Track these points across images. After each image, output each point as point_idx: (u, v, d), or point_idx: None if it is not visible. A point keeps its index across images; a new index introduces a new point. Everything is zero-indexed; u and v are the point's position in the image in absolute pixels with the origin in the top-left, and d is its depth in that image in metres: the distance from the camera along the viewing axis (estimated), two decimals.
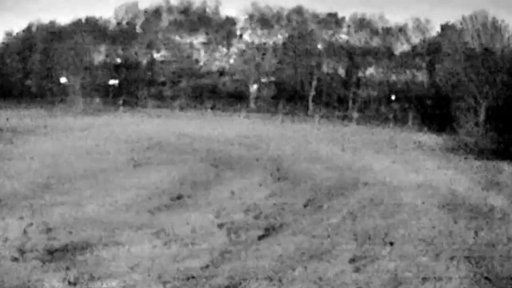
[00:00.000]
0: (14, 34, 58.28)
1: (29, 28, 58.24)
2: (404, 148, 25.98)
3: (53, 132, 27.02)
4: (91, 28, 57.14)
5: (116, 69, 56.47)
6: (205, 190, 12.66)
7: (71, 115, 40.31)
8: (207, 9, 57.33)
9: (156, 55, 57.66)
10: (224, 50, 57.57)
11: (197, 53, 57.47)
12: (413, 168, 18.44)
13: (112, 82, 56.18)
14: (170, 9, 57.82)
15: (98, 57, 57.62)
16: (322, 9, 62.01)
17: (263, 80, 55.22)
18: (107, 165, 16.09)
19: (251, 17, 55.69)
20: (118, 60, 57.80)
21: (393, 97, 51.66)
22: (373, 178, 15.37)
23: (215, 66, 57.49)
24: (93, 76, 54.11)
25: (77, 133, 27.22)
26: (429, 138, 32.22)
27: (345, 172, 16.53)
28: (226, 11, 64.59)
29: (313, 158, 20.16)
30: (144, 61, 57.00)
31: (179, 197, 11.59)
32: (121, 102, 50.01)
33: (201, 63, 57.44)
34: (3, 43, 60.63)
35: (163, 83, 55.46)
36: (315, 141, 27.18)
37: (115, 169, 15.44)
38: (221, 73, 56.38)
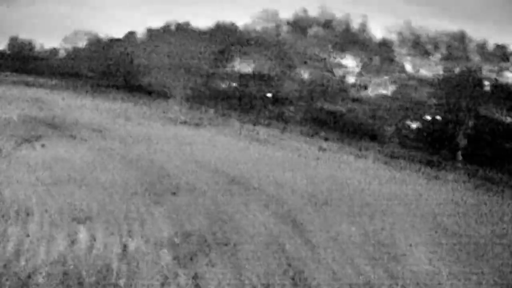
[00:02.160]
0: (154, 29, 57.76)
1: (167, 27, 57.04)
2: None
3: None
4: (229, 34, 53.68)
5: (239, 79, 51.60)
6: None
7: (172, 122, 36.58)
8: (351, 25, 49.66)
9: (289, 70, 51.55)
10: (384, 77, 48.03)
11: (348, 75, 49.46)
12: None
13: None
14: (308, 21, 51.27)
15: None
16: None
17: (428, 117, 44.46)
18: None
19: (403, 40, 46.52)
20: (249, 70, 52.97)
21: None
22: None
23: (373, 92, 48.78)
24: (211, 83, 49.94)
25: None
26: None
27: None
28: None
29: None
30: (273, 74, 51.24)
31: None
32: (235, 115, 44.98)
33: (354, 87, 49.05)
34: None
35: (290, 102, 48.96)
36: None
37: None
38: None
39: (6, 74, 78.60)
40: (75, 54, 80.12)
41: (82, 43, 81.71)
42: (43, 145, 23.60)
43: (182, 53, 44.87)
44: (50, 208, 13.98)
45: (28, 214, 13.29)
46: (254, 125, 44.07)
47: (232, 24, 55.06)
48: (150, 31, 55.74)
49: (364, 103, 46.89)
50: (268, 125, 45.59)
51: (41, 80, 74.54)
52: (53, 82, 73.06)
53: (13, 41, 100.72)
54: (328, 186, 21.61)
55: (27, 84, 66.85)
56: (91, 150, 24.34)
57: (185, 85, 45.27)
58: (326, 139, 39.65)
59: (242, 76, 50.92)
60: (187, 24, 53.76)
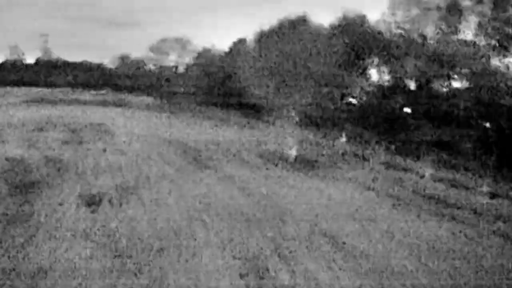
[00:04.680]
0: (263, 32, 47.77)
1: (278, 28, 46.69)
2: None
3: None
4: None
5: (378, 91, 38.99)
6: None
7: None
8: None
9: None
10: None
11: None
12: None
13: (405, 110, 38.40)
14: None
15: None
16: None
17: None
18: None
19: None
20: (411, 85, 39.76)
21: None
22: None
23: None
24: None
25: None
26: None
27: None
28: None
29: None
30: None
31: None
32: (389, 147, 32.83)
33: None
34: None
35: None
36: None
37: None
38: None
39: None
40: (189, 70, 73.14)
41: (189, 58, 75.20)
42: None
43: (297, 58, 34.26)
44: None
45: None
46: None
47: (363, 18, 42.76)
48: (259, 35, 46.05)
49: None
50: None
51: (148, 99, 69.54)
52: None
53: (125, 59, 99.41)
54: None
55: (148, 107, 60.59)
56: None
57: (302, 101, 33.86)
58: None
59: (379, 88, 38.74)
60: (303, 19, 41.84)
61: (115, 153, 26.04)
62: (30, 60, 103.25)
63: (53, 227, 13.84)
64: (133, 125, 40.46)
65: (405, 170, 27.19)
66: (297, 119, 33.57)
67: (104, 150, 26.38)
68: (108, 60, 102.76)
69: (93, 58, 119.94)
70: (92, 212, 15.61)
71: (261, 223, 15.18)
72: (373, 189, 21.55)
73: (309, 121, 35.88)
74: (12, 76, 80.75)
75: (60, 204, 16.15)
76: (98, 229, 13.92)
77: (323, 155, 30.34)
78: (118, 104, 62.88)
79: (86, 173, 20.82)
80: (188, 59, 71.66)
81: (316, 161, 28.06)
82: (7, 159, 22.49)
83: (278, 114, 34.97)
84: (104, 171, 21.50)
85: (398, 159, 30.16)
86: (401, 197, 20.42)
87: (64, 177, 19.77)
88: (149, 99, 74.02)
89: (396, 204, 18.96)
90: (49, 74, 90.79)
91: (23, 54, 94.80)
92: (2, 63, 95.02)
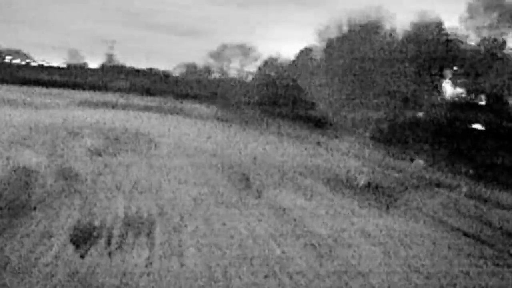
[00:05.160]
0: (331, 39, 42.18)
1: (347, 34, 40.77)
2: None
3: None
4: None
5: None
6: None
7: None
8: None
9: None
10: None
11: None
12: None
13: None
14: None
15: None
16: None
17: None
18: None
19: None
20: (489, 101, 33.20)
21: None
22: None
23: None
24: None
25: None
26: None
27: None
28: None
29: None
30: None
31: None
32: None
33: None
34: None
35: None
36: None
37: None
38: None
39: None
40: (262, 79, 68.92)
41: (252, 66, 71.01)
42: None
43: (368, 67, 28.71)
44: None
45: None
46: None
47: (439, 24, 35.95)
48: (327, 43, 40.46)
49: None
50: None
51: (208, 108, 66.02)
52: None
53: (190, 68, 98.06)
54: None
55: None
56: None
57: (373, 115, 28.14)
58: None
59: (455, 103, 31.79)
60: (376, 26, 35.57)
61: (144, 170, 21.62)
62: (93, 65, 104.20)
63: (25, 271, 9.67)
64: (183, 136, 36.28)
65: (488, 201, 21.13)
66: (367, 135, 28.17)
67: (130, 165, 21.96)
68: (172, 68, 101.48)
69: (158, 65, 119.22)
70: (82, 256, 11.17)
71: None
72: (457, 229, 16.00)
73: (380, 138, 30.14)
74: (72, 79, 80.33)
75: (43, 238, 11.88)
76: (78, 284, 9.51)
77: (397, 181, 24.52)
78: (175, 112, 59.48)
79: (98, 195, 16.46)
80: (250, 67, 67.51)
81: (388, 187, 22.40)
82: (14, 169, 18.71)
83: (346, 129, 29.79)
84: (123, 192, 17.12)
85: (481, 187, 23.84)
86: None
87: (69, 198, 15.55)
88: (209, 108, 70.52)
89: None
90: (113, 79, 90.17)
91: (83, 58, 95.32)
92: (63, 67, 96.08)
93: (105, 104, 56.60)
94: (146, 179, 19.75)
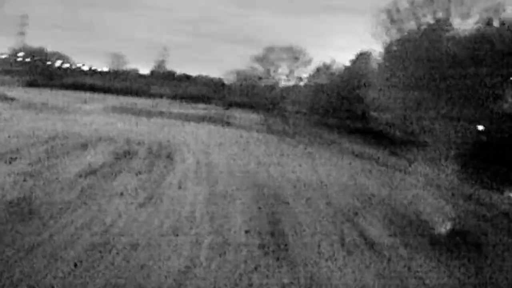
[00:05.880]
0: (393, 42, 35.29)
1: (412, 36, 32.97)
2: None
3: None
4: None
5: None
6: None
7: None
8: None
9: None
10: None
11: None
12: None
13: None
14: None
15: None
16: None
17: None
18: None
19: None
20: None
21: None
22: None
23: None
24: None
25: None
26: None
27: None
28: None
29: None
30: None
31: None
32: None
33: None
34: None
35: None
36: None
37: None
38: None
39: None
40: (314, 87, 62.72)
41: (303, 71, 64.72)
42: None
43: (438, 69, 22.16)
44: None
45: None
46: None
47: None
48: (388, 46, 33.70)
49: None
50: None
51: (256, 117, 61.03)
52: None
53: (240, 74, 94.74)
54: None
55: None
56: None
57: (450, 130, 21.57)
58: None
59: None
60: (446, 24, 27.71)
61: (143, 203, 16.04)
62: (144, 71, 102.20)
63: None
64: (215, 150, 30.69)
65: None
66: (447, 154, 21.51)
67: (122, 194, 16.35)
68: (223, 75, 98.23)
69: (208, 72, 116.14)
70: None
71: None
72: None
73: (464, 160, 23.06)
74: (116, 84, 77.72)
75: None
76: None
77: (491, 227, 17.56)
78: (218, 121, 54.34)
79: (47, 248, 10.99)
80: (301, 72, 61.29)
81: (480, 236, 15.66)
82: None
83: (417, 147, 23.27)
84: (90, 245, 11.62)
85: None
86: None
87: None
88: (257, 117, 64.91)
89: None
90: (162, 85, 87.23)
91: (126, 63, 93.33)
92: (106, 72, 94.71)
93: (139, 112, 52.12)
94: (137, 216, 14.23)
